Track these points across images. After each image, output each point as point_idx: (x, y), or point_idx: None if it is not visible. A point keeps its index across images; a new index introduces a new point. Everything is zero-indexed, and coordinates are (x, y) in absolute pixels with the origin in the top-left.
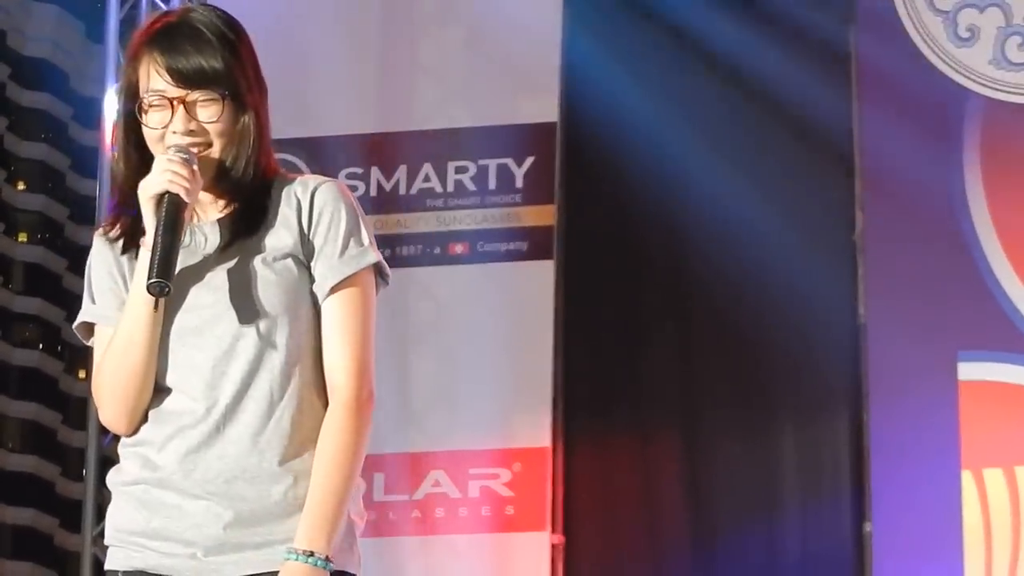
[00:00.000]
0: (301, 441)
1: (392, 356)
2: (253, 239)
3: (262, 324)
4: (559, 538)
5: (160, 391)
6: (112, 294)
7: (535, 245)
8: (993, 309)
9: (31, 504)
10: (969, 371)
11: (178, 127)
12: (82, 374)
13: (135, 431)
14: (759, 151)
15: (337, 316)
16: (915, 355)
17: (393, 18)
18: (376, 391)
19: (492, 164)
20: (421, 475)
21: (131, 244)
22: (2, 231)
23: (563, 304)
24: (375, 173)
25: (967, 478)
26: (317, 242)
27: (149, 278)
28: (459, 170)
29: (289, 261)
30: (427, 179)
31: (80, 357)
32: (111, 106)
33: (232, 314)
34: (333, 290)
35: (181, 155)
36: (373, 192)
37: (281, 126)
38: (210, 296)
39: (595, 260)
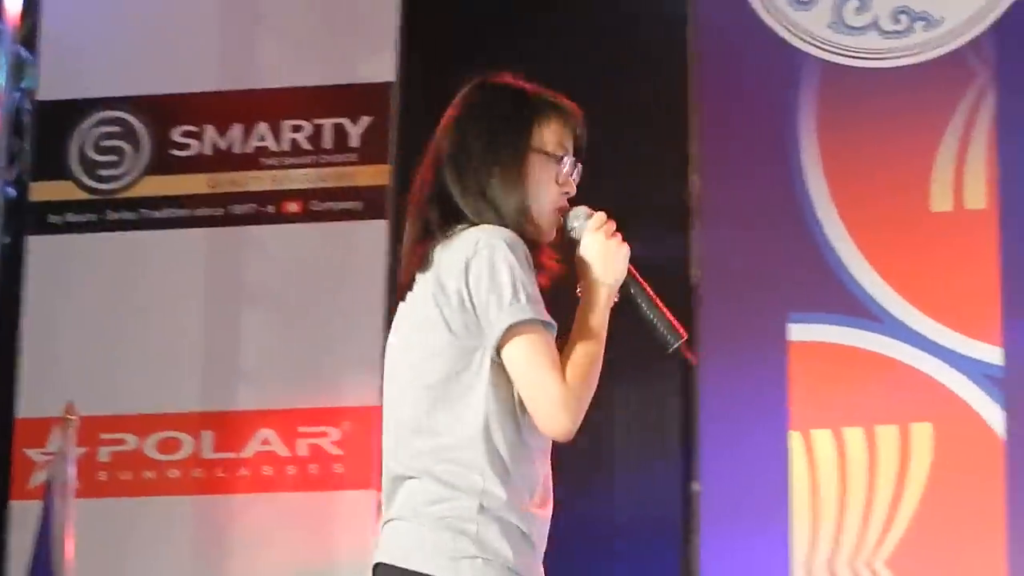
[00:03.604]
0: None
1: (224, 314)
2: None
3: None
4: None
5: None
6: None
7: (369, 205)
8: (825, 271)
9: None
10: (800, 332)
11: None
12: None
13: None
14: (594, 114)
15: None
16: (746, 316)
17: None
18: (207, 349)
19: (328, 123)
20: (250, 433)
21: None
22: None
23: (395, 263)
24: (209, 131)
25: (795, 439)
26: None
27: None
28: (295, 129)
29: None
30: (262, 138)
31: None
32: None
33: None
34: None
35: None
36: (208, 151)
37: (115, 83)
38: None
39: None
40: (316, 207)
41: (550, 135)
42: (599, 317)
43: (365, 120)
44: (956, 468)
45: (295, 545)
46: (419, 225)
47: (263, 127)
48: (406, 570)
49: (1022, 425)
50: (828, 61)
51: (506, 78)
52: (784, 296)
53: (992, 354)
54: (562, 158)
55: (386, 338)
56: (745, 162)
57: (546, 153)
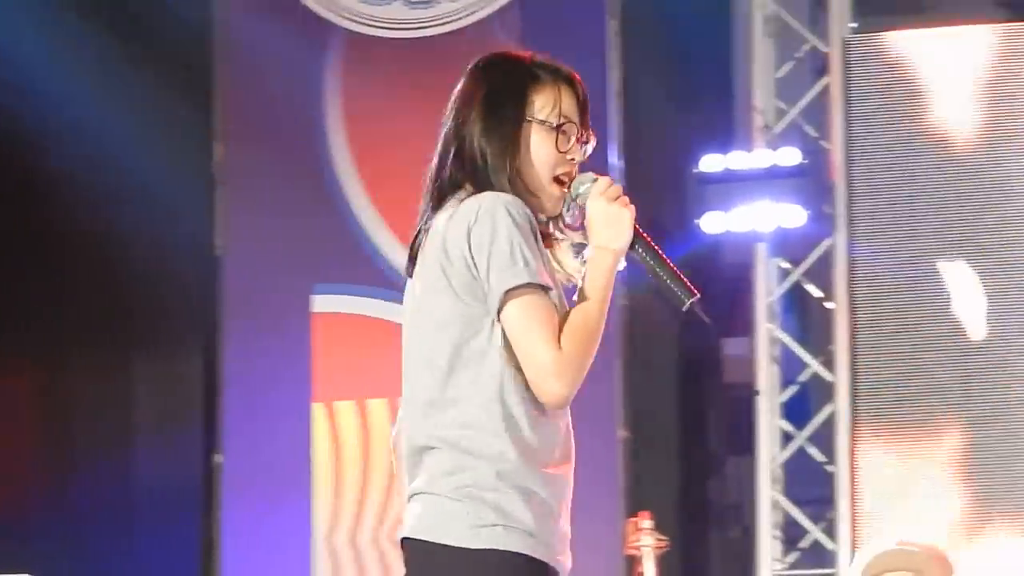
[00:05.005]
0: None
1: None
2: None
3: None
4: None
5: None
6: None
7: None
8: (349, 242)
9: None
10: (323, 303)
11: None
12: None
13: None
14: (121, 81)
15: None
16: (271, 287)
17: None
18: None
19: None
20: None
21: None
22: None
23: None
24: None
25: (318, 410)
26: None
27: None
28: None
29: None
30: None
31: None
32: None
33: None
34: None
35: None
36: None
37: None
38: None
39: None
40: None
41: (546, 103)
42: (601, 282)
43: None
44: None
45: None
46: (427, 198)
47: None
48: (430, 543)
49: None
50: (355, 31)
51: (508, 50)
52: (308, 267)
53: None
54: (560, 126)
55: None
56: (270, 133)
57: (541, 121)
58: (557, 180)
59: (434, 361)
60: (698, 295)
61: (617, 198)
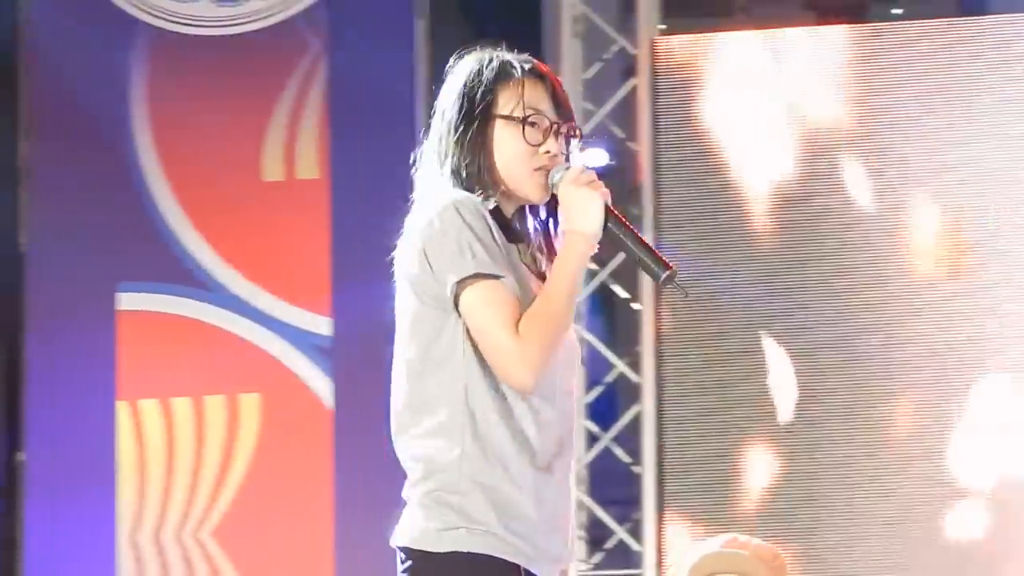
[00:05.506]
0: None
1: None
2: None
3: None
4: None
5: None
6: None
7: None
8: (154, 239)
9: None
10: (129, 301)
11: None
12: None
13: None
14: None
15: None
16: (76, 285)
17: None
18: None
19: None
20: None
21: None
22: None
23: None
24: None
25: (122, 409)
26: None
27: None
28: None
29: None
30: None
31: None
32: None
33: None
34: None
35: None
36: None
37: None
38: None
39: None
40: None
41: (510, 99)
42: (571, 267)
43: None
44: (284, 439)
45: None
46: (412, 202)
47: None
48: (405, 548)
49: (349, 395)
50: (160, 28)
51: (482, 47)
52: (113, 264)
53: (321, 325)
54: (526, 118)
55: None
56: (76, 129)
57: (505, 117)
58: (539, 172)
59: (409, 364)
60: (673, 268)
61: (589, 183)
